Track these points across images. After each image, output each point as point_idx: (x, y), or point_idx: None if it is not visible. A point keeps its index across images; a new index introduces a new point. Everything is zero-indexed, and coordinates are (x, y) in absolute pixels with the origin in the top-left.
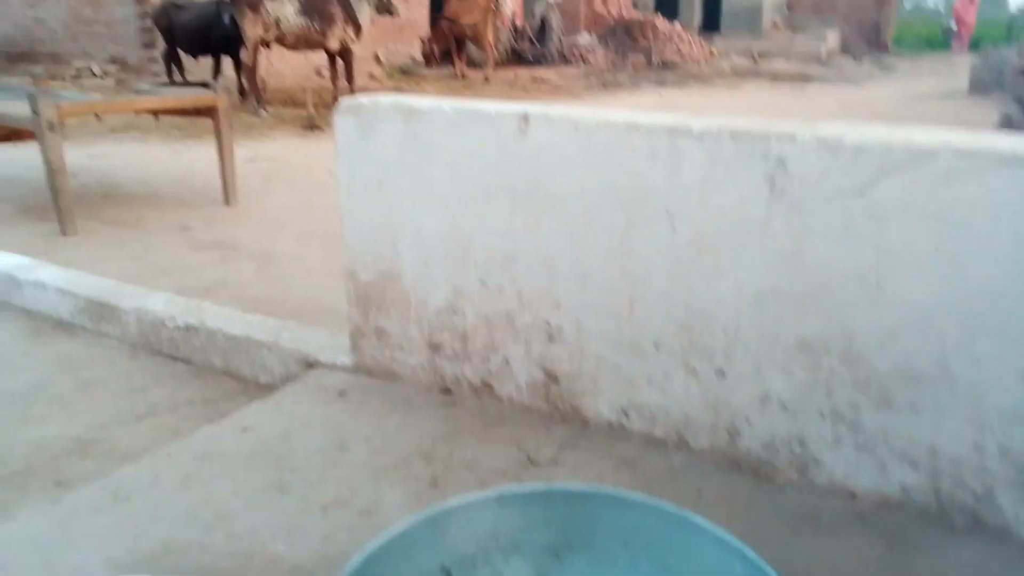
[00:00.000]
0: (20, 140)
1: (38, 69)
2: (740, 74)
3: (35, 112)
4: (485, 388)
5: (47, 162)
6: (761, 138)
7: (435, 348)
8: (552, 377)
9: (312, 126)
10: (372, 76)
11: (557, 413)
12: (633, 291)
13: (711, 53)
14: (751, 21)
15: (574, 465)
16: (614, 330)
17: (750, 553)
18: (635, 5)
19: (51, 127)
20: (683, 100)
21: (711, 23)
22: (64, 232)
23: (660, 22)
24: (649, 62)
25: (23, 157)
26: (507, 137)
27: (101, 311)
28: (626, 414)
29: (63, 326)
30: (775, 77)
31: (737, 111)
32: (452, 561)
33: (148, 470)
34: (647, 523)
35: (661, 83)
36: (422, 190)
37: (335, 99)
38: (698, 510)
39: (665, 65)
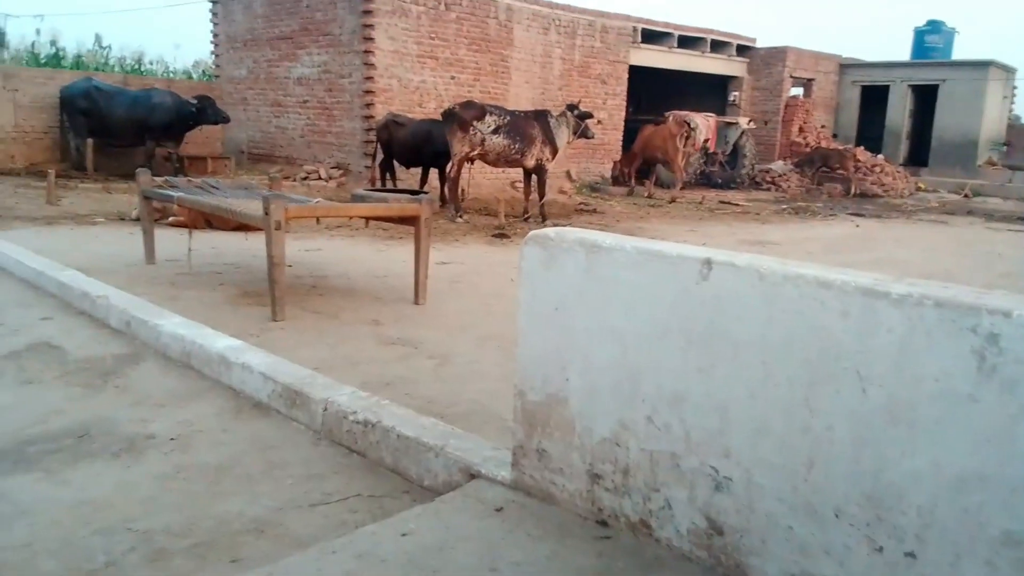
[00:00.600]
0: (249, 231)
1: (274, 171)
2: (950, 211)
3: (266, 213)
4: (643, 526)
5: (269, 256)
6: (970, 311)
7: (595, 477)
8: (716, 528)
9: (501, 235)
10: (562, 191)
11: (719, 567)
12: (813, 451)
13: (917, 187)
14: (964, 157)
15: None
16: (789, 489)
17: None
18: (835, 136)
19: (278, 226)
20: (882, 233)
21: (918, 158)
22: (275, 318)
23: (861, 152)
24: (847, 192)
25: (249, 247)
26: (687, 280)
27: (295, 398)
28: None
29: (261, 407)
30: (990, 216)
31: (943, 248)
32: None
33: (312, 564)
34: None
35: (859, 214)
36: (596, 321)
37: (526, 211)
38: None
39: (865, 196)
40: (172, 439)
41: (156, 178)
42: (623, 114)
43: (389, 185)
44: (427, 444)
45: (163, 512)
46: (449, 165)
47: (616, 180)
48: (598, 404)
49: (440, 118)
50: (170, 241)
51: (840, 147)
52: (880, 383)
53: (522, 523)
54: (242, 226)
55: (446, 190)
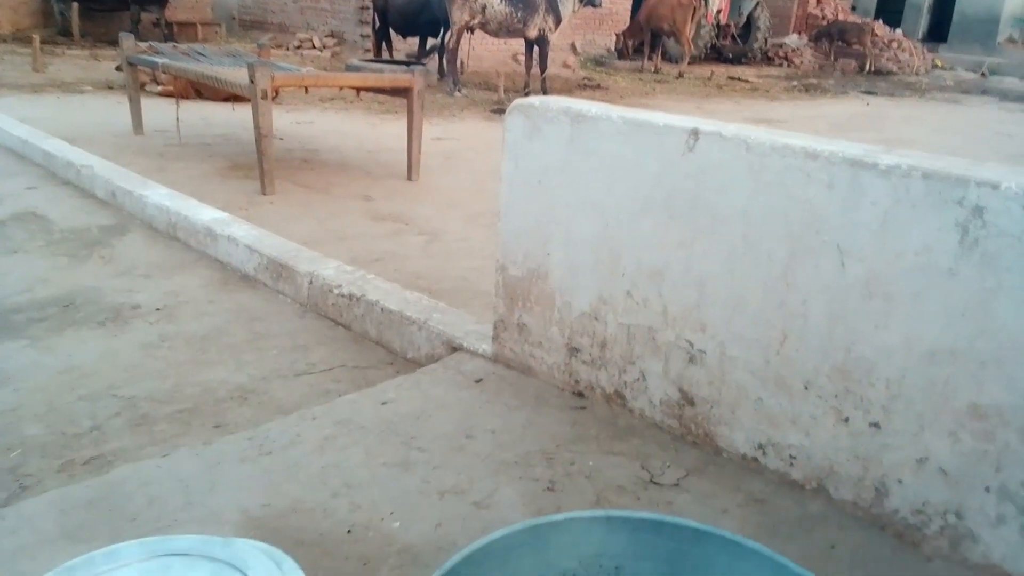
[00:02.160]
0: (239, 102)
1: (266, 39)
2: (964, 89)
3: (252, 81)
4: (617, 398)
5: (256, 127)
6: (958, 182)
7: (573, 351)
8: (688, 399)
9: (500, 110)
10: (566, 65)
11: (688, 436)
12: (788, 325)
13: (933, 64)
14: (984, 34)
15: (699, 493)
16: (761, 362)
17: None
18: (853, 8)
19: (264, 95)
20: (893, 112)
21: (938, 33)
22: (263, 192)
23: (879, 27)
24: (862, 68)
25: (239, 118)
26: (673, 151)
27: (280, 271)
28: (763, 450)
29: (247, 279)
30: (1004, 96)
31: (953, 128)
32: (552, 574)
33: (293, 428)
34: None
35: (871, 92)
36: (579, 195)
37: (526, 85)
38: (830, 566)
39: (879, 73)
40: (158, 309)
41: (140, 43)
42: None
43: (386, 55)
44: (410, 318)
45: (147, 379)
46: (447, 34)
47: (621, 53)
48: (578, 279)
49: None
50: (158, 111)
51: (859, 20)
52: (860, 257)
53: (500, 393)
54: (232, 96)
55: (444, 61)
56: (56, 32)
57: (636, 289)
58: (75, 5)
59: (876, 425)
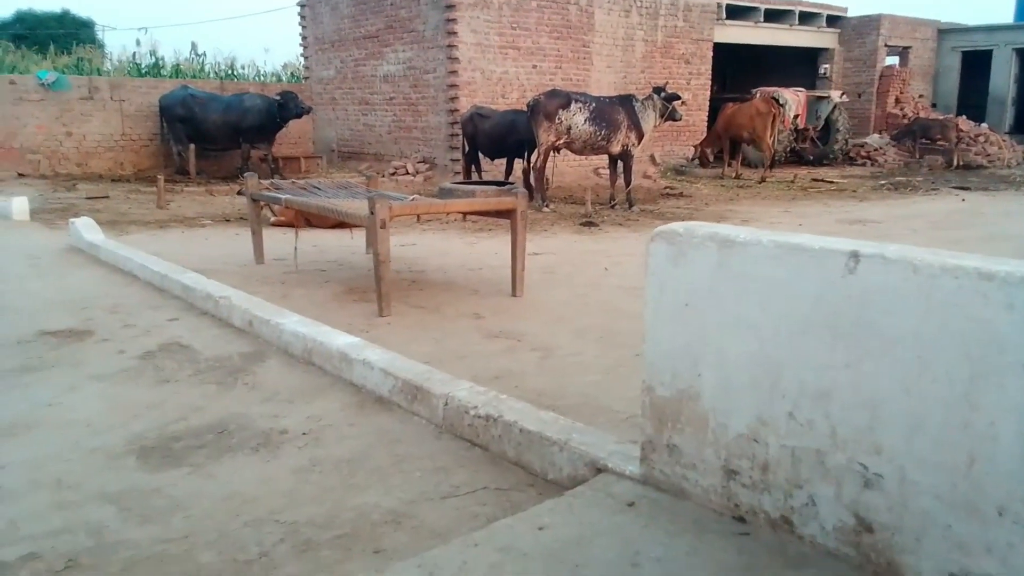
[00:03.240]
0: (345, 228)
1: (364, 167)
2: None
3: (371, 212)
4: (784, 523)
5: (375, 254)
6: None
7: (731, 473)
8: (865, 525)
9: (589, 223)
10: (647, 175)
11: (869, 564)
12: (975, 447)
13: None
14: None
15: None
16: (947, 486)
17: None
18: (934, 106)
19: (383, 225)
20: (990, 208)
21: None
22: (381, 314)
23: (963, 122)
24: (949, 164)
25: (349, 244)
26: (832, 273)
27: (415, 392)
28: None
29: (382, 402)
30: None
31: None
32: None
33: (458, 555)
34: None
35: (963, 187)
36: (731, 316)
37: (612, 198)
38: None
39: (968, 167)
40: (304, 433)
41: (262, 181)
42: (708, 94)
43: (475, 177)
44: (550, 438)
45: (305, 504)
46: (535, 155)
47: (701, 162)
48: (733, 399)
49: (524, 108)
50: (273, 241)
51: (940, 117)
52: None
53: (656, 518)
54: (340, 224)
55: (532, 180)
56: (174, 171)
57: (799, 410)
58: (192, 147)
59: None
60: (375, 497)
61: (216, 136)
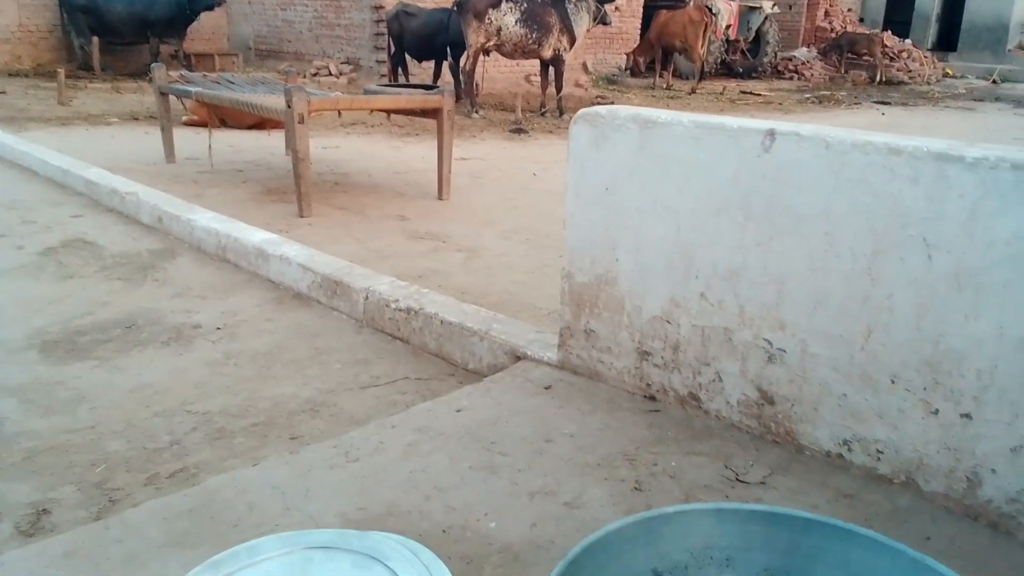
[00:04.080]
0: (264, 129)
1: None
2: (977, 97)
3: (289, 106)
4: (692, 400)
5: (294, 151)
6: None
7: (644, 355)
8: (767, 398)
9: (519, 130)
10: (578, 84)
11: (769, 435)
12: (873, 320)
13: (944, 73)
14: (994, 42)
15: (786, 490)
16: (845, 358)
17: None
18: (861, 20)
19: (301, 119)
20: (909, 121)
21: (947, 42)
22: (302, 214)
23: (888, 38)
24: (872, 79)
25: (266, 145)
26: (748, 153)
27: (335, 288)
28: (848, 446)
29: (300, 298)
30: (1018, 102)
31: (971, 136)
32: (664, 566)
33: (375, 436)
34: (877, 562)
35: (884, 102)
36: (649, 200)
37: (543, 105)
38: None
39: (890, 83)
40: (218, 328)
41: (171, 73)
42: (641, 0)
43: (402, 80)
44: (471, 329)
45: (218, 395)
46: (464, 57)
47: (632, 71)
48: (649, 283)
49: (453, 7)
50: (186, 140)
51: (867, 31)
52: (948, 249)
53: (572, 399)
54: (259, 123)
55: (461, 84)
56: (77, 67)
57: (711, 291)
58: (95, 40)
59: (968, 416)
60: (292, 388)
61: (122, 29)
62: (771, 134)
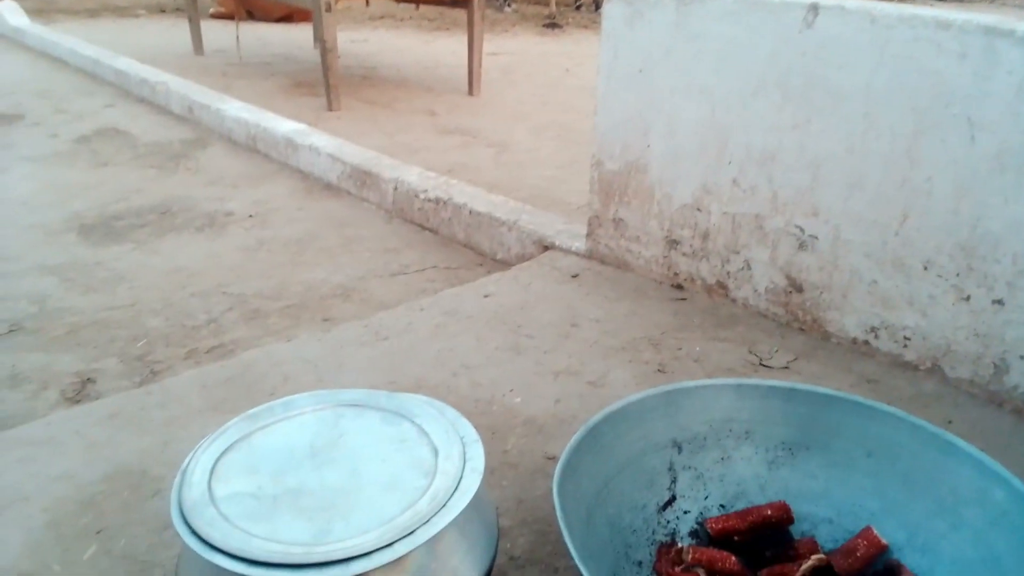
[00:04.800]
0: (292, 21)
1: None
2: None
3: None
4: (719, 288)
5: (322, 41)
6: None
7: (672, 244)
8: (796, 285)
9: (553, 24)
10: None
11: (795, 322)
12: (909, 203)
13: None
14: None
15: (809, 375)
16: (878, 244)
17: (1017, 483)
18: None
19: (328, 7)
20: None
21: None
22: (330, 107)
23: None
24: None
25: (295, 38)
26: (789, 29)
27: (364, 178)
28: (875, 333)
29: (330, 188)
30: None
31: None
32: (683, 437)
33: (404, 318)
34: (897, 437)
35: None
36: (684, 81)
37: None
38: None
39: None
40: (250, 216)
41: None
42: None
43: None
44: (500, 219)
45: (252, 278)
46: None
47: None
48: (680, 169)
49: None
50: (213, 33)
51: None
52: (992, 130)
53: (599, 287)
54: (287, 16)
55: None
56: None
57: (744, 176)
58: None
59: (999, 302)
60: (323, 274)
61: None
62: (814, 8)
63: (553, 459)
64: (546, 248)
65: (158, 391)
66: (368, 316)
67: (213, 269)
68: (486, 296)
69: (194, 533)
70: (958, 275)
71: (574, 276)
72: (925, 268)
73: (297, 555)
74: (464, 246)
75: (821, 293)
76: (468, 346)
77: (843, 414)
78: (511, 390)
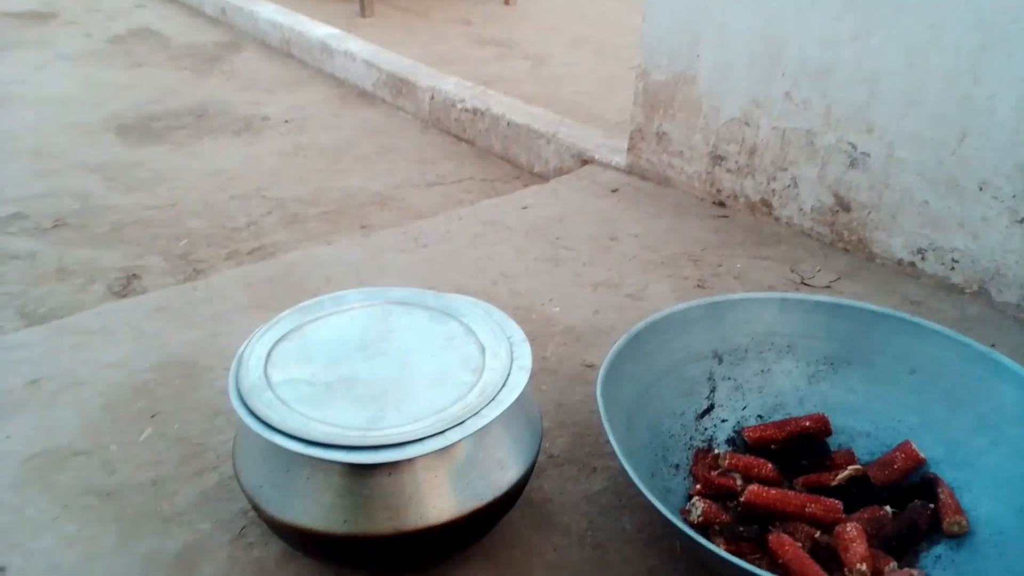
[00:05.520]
0: None
1: None
2: None
3: None
4: (763, 206)
5: None
6: None
7: (717, 159)
8: (843, 204)
9: None
10: None
11: (839, 242)
12: (969, 122)
13: None
14: None
15: (852, 295)
16: (933, 163)
17: None
18: None
19: None
20: None
21: None
22: (363, 14)
23: None
24: None
25: None
26: None
27: (400, 86)
28: (922, 255)
29: (365, 95)
30: None
31: None
32: (724, 348)
33: (443, 226)
34: (942, 354)
35: None
36: None
37: None
38: None
39: None
40: (286, 121)
41: None
42: None
43: None
44: (538, 131)
45: (290, 183)
46: None
47: None
48: (730, 81)
49: None
50: None
51: None
52: None
53: (639, 202)
54: None
55: None
56: None
57: (797, 90)
58: None
59: None
60: (360, 181)
61: None
62: None
63: (591, 367)
64: (585, 162)
65: (203, 287)
66: (405, 224)
67: (251, 173)
68: (524, 208)
69: (253, 414)
70: (1014, 197)
71: (614, 191)
72: (980, 189)
73: (352, 438)
74: (501, 158)
75: (869, 213)
76: (507, 256)
77: (888, 331)
78: (550, 300)
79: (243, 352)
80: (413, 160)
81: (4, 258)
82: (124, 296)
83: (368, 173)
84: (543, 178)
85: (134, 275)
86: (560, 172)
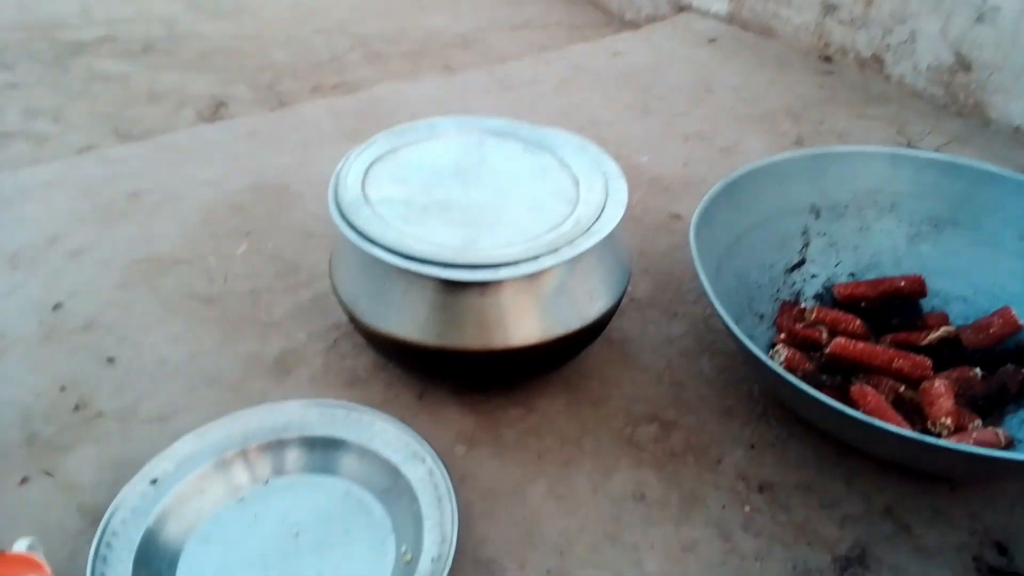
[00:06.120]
0: None
1: None
2: None
3: None
4: (874, 63)
5: None
6: None
7: (829, 9)
8: (964, 63)
9: None
10: None
11: (953, 104)
12: None
13: None
14: None
15: None
16: None
17: None
18: None
19: None
20: None
21: None
22: None
23: None
24: None
25: None
26: None
27: None
28: None
29: None
30: None
31: None
32: (823, 203)
33: (529, 69)
34: None
35: None
36: None
37: None
38: None
39: None
40: None
41: None
42: None
43: None
44: None
45: (373, 20)
46: None
47: None
48: None
49: None
50: None
51: None
52: None
53: (738, 53)
54: None
55: None
56: None
57: None
58: None
59: None
60: (443, 22)
61: None
62: None
63: (678, 217)
64: (681, 9)
65: (292, 115)
66: (491, 67)
67: (334, 8)
68: (615, 54)
69: (353, 227)
70: None
71: (711, 40)
72: None
73: (448, 256)
74: (590, 4)
75: (991, 74)
76: (595, 103)
77: (1003, 193)
78: (638, 149)
79: (340, 169)
80: (499, 2)
81: (97, 79)
82: (213, 122)
83: (452, 13)
84: (635, 26)
85: (222, 103)
86: (654, 20)
